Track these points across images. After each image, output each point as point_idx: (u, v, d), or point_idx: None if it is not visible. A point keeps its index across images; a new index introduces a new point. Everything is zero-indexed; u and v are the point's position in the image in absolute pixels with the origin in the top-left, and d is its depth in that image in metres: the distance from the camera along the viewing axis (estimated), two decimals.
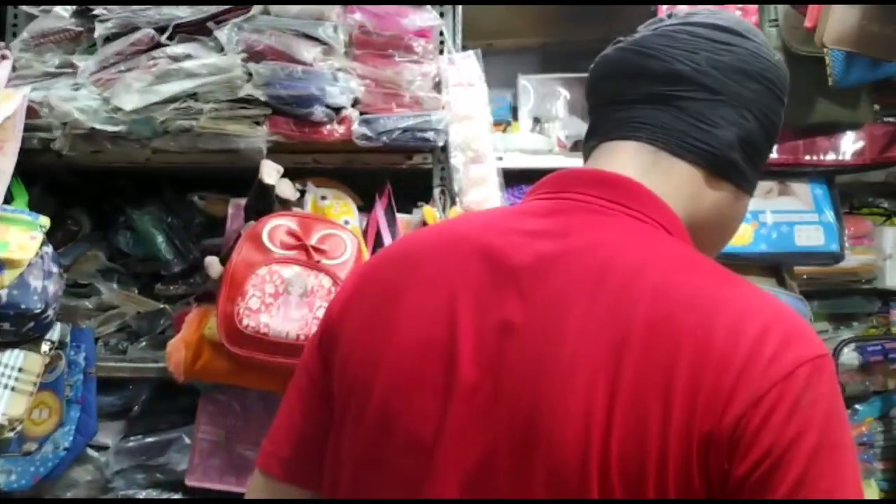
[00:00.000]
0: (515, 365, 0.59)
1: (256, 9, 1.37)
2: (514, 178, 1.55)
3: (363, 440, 0.66)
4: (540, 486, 0.56)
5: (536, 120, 1.84)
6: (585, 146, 0.76)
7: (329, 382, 0.71)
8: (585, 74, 0.76)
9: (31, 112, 1.37)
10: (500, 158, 1.51)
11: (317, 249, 1.28)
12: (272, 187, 1.35)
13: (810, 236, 1.53)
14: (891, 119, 1.55)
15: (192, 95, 1.36)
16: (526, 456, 0.57)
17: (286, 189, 1.39)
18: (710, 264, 0.63)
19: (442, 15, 1.50)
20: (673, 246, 0.65)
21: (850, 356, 1.65)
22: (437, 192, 1.45)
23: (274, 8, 1.39)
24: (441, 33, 1.51)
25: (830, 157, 1.53)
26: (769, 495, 0.52)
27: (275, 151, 1.39)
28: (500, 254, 0.64)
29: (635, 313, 0.56)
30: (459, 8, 1.56)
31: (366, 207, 1.50)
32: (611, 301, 0.58)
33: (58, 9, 1.44)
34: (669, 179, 0.68)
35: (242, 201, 1.43)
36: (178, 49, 1.36)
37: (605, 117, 0.73)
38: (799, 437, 0.52)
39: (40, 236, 1.31)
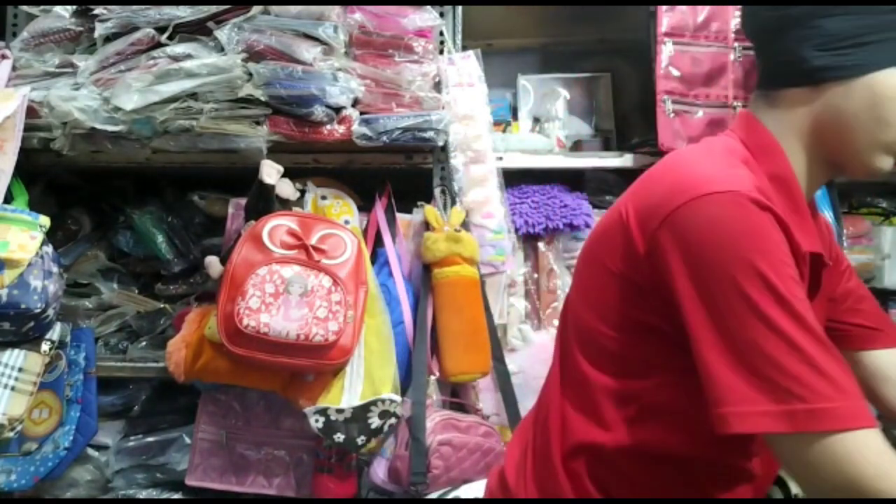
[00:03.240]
0: None
1: (256, 9, 1.38)
2: (514, 178, 1.55)
3: None
4: None
5: (536, 120, 1.84)
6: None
7: None
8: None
9: (31, 112, 1.37)
10: (500, 158, 1.51)
11: (317, 249, 1.29)
12: (272, 187, 1.35)
13: None
14: None
15: (192, 95, 1.36)
16: None
17: (286, 189, 1.40)
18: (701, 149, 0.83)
19: (442, 15, 1.50)
20: (711, 141, 0.84)
21: None
22: (437, 191, 1.45)
23: (274, 8, 1.39)
24: (441, 33, 1.51)
25: None
26: None
27: (275, 151, 1.39)
28: None
29: None
30: (459, 8, 1.56)
31: (366, 207, 1.50)
32: None
33: (58, 9, 1.44)
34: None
35: (242, 201, 1.43)
36: (178, 49, 1.36)
37: None
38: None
39: (40, 236, 1.31)
